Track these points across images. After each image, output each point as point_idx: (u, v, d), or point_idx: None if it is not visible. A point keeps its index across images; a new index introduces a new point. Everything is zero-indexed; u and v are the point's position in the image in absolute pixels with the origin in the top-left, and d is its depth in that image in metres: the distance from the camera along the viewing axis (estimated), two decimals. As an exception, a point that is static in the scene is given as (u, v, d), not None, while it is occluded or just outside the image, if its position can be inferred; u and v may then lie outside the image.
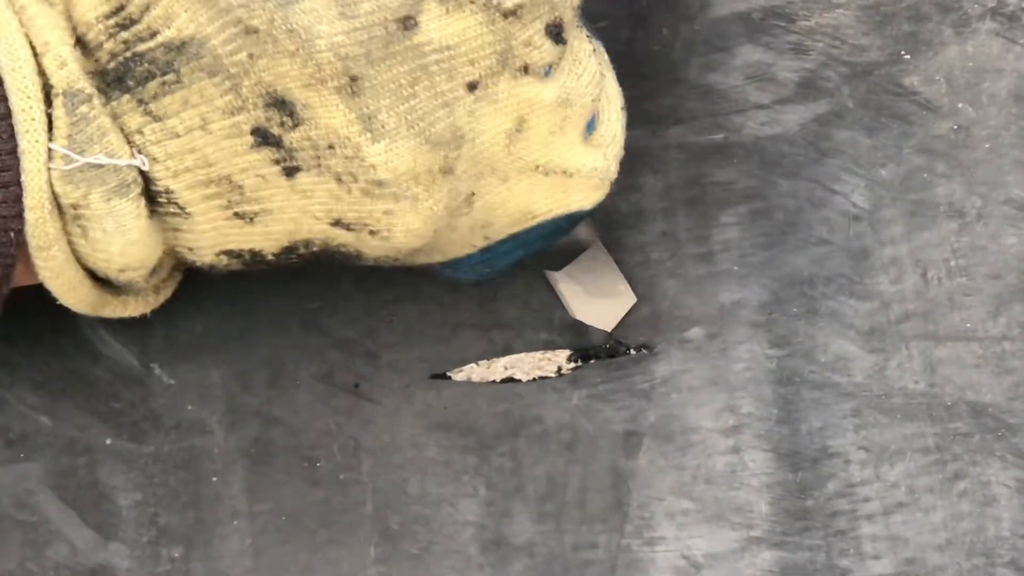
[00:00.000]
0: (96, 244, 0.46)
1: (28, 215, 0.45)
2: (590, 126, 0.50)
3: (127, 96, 0.45)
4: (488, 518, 0.54)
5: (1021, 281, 0.57)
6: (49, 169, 0.44)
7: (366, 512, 0.54)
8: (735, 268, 0.57)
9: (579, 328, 0.56)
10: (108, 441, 0.55)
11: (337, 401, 0.55)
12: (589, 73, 0.49)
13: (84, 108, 0.44)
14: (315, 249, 0.49)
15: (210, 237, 0.48)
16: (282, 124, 0.45)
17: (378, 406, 0.55)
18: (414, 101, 0.45)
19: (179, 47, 0.44)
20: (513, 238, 0.51)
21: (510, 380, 0.56)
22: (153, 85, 0.45)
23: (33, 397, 0.55)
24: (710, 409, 0.55)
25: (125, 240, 0.46)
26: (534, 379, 0.56)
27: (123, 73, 0.45)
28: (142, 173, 0.46)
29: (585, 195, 0.50)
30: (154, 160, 0.46)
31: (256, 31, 0.44)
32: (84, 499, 0.54)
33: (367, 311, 0.56)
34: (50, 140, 0.44)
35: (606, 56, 0.50)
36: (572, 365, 0.56)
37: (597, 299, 0.57)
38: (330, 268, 0.50)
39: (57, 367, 0.55)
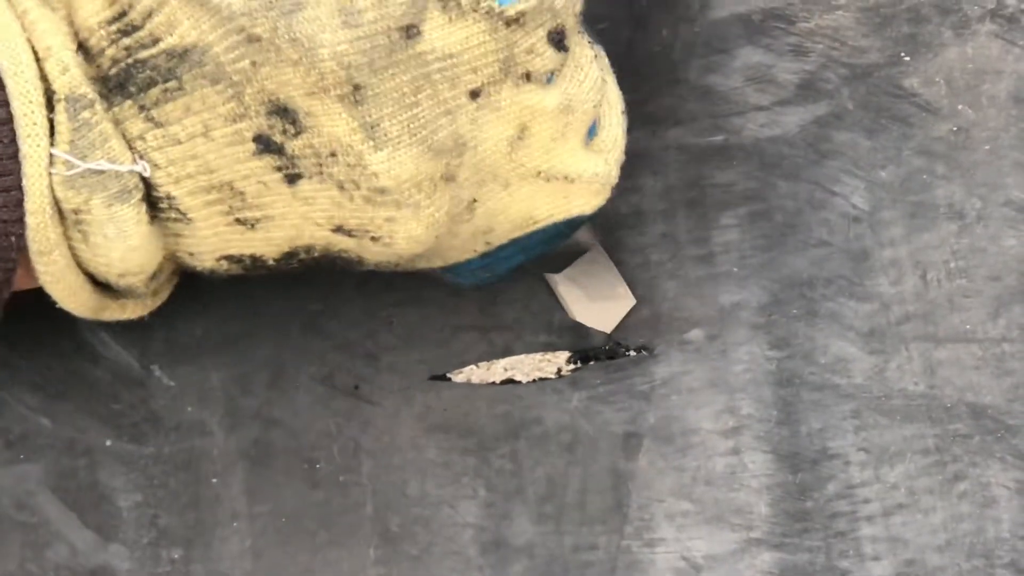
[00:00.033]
0: (97, 249, 0.46)
1: (29, 220, 0.45)
2: (591, 131, 0.50)
3: (129, 102, 0.45)
4: (488, 519, 0.54)
5: (1021, 283, 0.57)
6: (50, 174, 0.44)
7: (366, 514, 0.54)
8: (735, 270, 0.57)
9: (579, 330, 0.56)
10: (108, 442, 0.55)
11: (337, 403, 0.55)
12: (591, 79, 0.49)
13: (86, 113, 0.44)
14: (316, 255, 0.49)
15: (211, 243, 0.48)
16: (284, 132, 0.45)
17: (378, 408, 0.55)
18: (417, 109, 0.45)
19: (181, 54, 0.44)
20: (514, 243, 0.51)
21: (510, 382, 0.56)
22: (155, 91, 0.45)
23: (33, 398, 0.55)
24: (710, 411, 0.55)
25: (126, 245, 0.46)
26: (534, 381, 0.56)
27: (125, 79, 0.45)
28: (143, 179, 0.46)
29: (586, 200, 0.50)
30: (155, 166, 0.46)
31: (259, 39, 0.44)
32: (84, 500, 0.54)
33: (367, 313, 0.56)
34: (52, 145, 0.44)
35: (607, 61, 0.50)
36: (572, 367, 0.56)
37: (596, 301, 0.57)
38: (331, 271, 0.50)
39: (57, 369, 0.55)
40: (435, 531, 0.54)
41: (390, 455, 0.55)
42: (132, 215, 0.46)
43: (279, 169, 0.46)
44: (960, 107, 0.59)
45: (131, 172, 0.45)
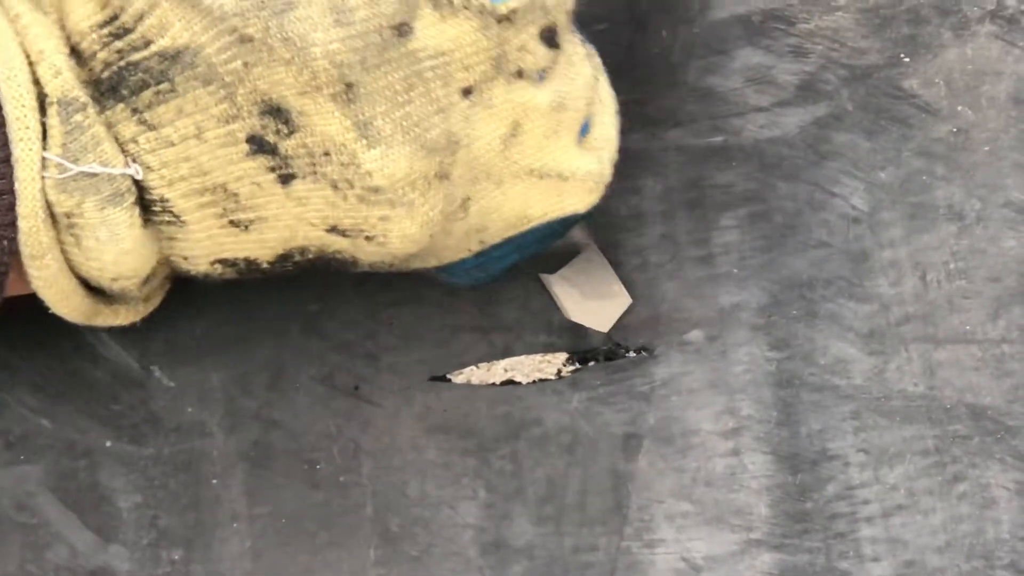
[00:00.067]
0: (89, 253, 0.46)
1: (21, 224, 0.45)
2: (584, 129, 0.50)
3: (121, 105, 0.45)
4: (488, 520, 0.54)
5: (1020, 284, 0.57)
6: (43, 178, 0.44)
7: (366, 514, 0.54)
8: (735, 271, 0.57)
9: (579, 331, 0.56)
10: (108, 443, 0.55)
11: (337, 404, 0.55)
12: (583, 77, 0.49)
13: (79, 117, 0.44)
14: (310, 256, 0.49)
15: (205, 246, 0.48)
16: (277, 132, 0.45)
17: (378, 408, 0.55)
18: (409, 107, 0.45)
19: (173, 56, 0.44)
20: (508, 242, 0.51)
21: (510, 383, 0.56)
22: (147, 94, 0.45)
23: (33, 399, 0.55)
24: (710, 411, 0.55)
25: (119, 249, 0.46)
26: (534, 382, 0.56)
27: (117, 82, 0.45)
28: (136, 182, 0.46)
29: (580, 198, 0.50)
30: (149, 169, 0.46)
31: (251, 39, 0.44)
32: (84, 501, 0.54)
33: (367, 314, 0.56)
34: (44, 149, 0.44)
35: (599, 60, 0.51)
36: (572, 368, 0.56)
37: (592, 301, 0.57)
38: (327, 272, 0.50)
39: (57, 370, 0.55)
40: (435, 532, 0.54)
41: (390, 456, 0.55)
42: (125, 218, 0.46)
43: (272, 170, 0.46)
44: (960, 108, 0.59)
45: (124, 175, 0.45)
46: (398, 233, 0.47)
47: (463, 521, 0.54)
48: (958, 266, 0.57)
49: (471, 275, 0.52)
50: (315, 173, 0.46)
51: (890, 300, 0.57)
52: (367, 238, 0.47)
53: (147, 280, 0.49)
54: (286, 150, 0.45)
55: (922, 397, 0.55)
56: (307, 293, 0.56)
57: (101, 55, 0.45)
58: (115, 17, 0.44)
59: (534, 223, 0.50)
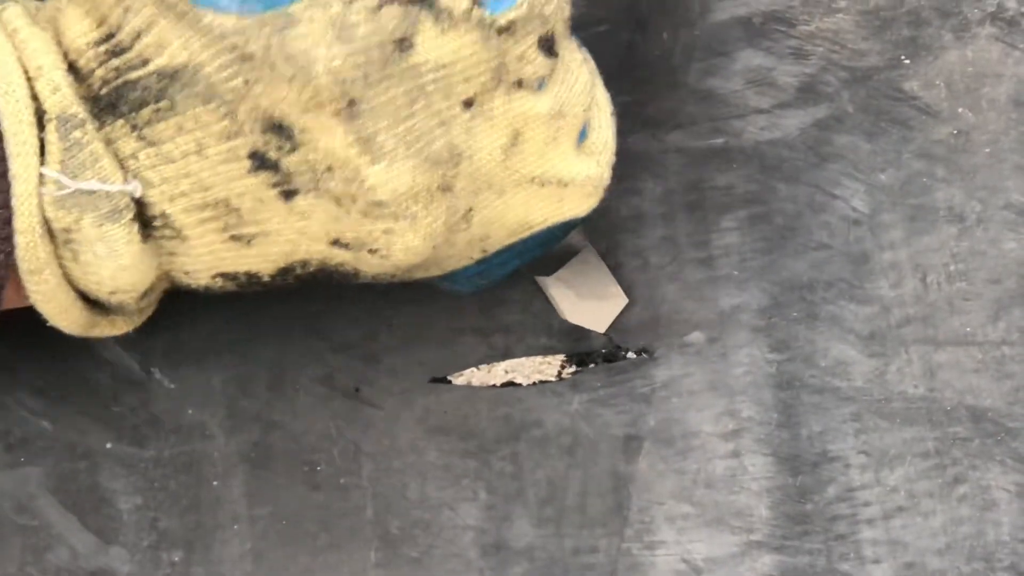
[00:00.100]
0: (87, 268, 0.46)
1: (19, 239, 0.44)
2: (582, 134, 0.50)
3: (121, 121, 0.45)
4: (488, 522, 0.54)
5: (1021, 286, 0.57)
6: (41, 193, 0.44)
7: (366, 516, 0.54)
8: (735, 272, 0.57)
9: (579, 332, 0.56)
10: (108, 445, 0.55)
11: (337, 405, 0.55)
12: (581, 83, 0.49)
13: (77, 133, 0.44)
14: (312, 269, 0.49)
15: (206, 260, 0.48)
16: (280, 148, 0.45)
17: (378, 410, 0.55)
18: (412, 121, 0.45)
19: (172, 75, 0.44)
20: (509, 248, 0.51)
21: (510, 384, 0.56)
22: (147, 111, 0.44)
23: (34, 401, 0.55)
24: (710, 413, 0.55)
25: (117, 265, 0.46)
26: (534, 383, 0.56)
27: (116, 99, 0.45)
28: (136, 198, 0.46)
29: (579, 203, 0.50)
30: (149, 184, 0.45)
31: (252, 57, 0.43)
32: (84, 503, 0.54)
33: (367, 315, 0.56)
34: (42, 164, 0.44)
35: (594, 63, 0.51)
36: (572, 369, 0.56)
37: (589, 301, 0.57)
38: (331, 284, 0.50)
39: (58, 372, 0.55)
40: (435, 534, 0.54)
41: (390, 458, 0.55)
42: (123, 234, 0.45)
43: (275, 185, 0.46)
44: (960, 110, 0.59)
45: (122, 192, 0.45)
46: (401, 246, 0.47)
47: (463, 523, 0.54)
48: (958, 268, 0.57)
49: (473, 282, 0.52)
50: (318, 188, 0.46)
51: (890, 302, 0.57)
52: (370, 251, 0.47)
53: (145, 294, 0.49)
54: (288, 166, 0.45)
55: (922, 399, 0.56)
56: (308, 294, 0.56)
57: (99, 72, 0.45)
58: (112, 35, 0.44)
59: (535, 229, 0.50)
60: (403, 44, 0.44)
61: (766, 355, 0.56)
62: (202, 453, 0.55)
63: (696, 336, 0.56)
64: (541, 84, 0.47)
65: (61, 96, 0.44)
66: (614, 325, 0.56)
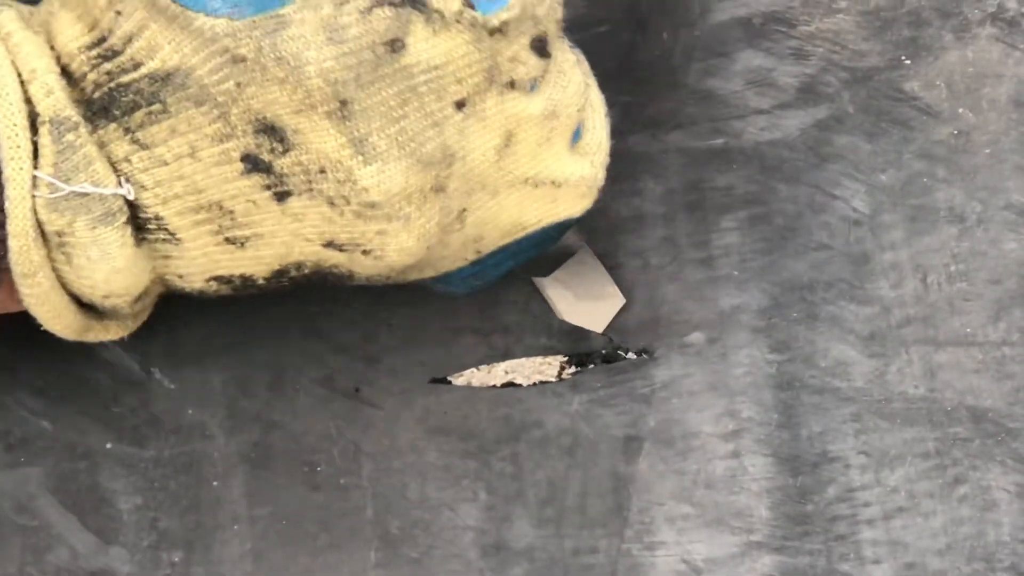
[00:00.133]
0: (81, 271, 0.46)
1: (12, 242, 0.44)
2: (576, 135, 0.50)
3: (113, 125, 0.45)
4: (488, 522, 0.54)
5: (1021, 286, 0.57)
6: (34, 196, 0.44)
7: (366, 516, 0.54)
8: (735, 273, 0.57)
9: (579, 333, 0.56)
10: (109, 445, 0.55)
11: (337, 405, 0.55)
12: (574, 84, 0.49)
13: (70, 136, 0.44)
14: (306, 271, 0.49)
15: (200, 263, 0.48)
16: (272, 150, 0.45)
17: (378, 410, 0.55)
18: (404, 122, 0.45)
19: (164, 78, 0.44)
20: (504, 249, 0.51)
21: (510, 385, 0.56)
22: (139, 115, 0.45)
23: (34, 401, 0.55)
24: (710, 414, 0.55)
25: (110, 268, 0.46)
26: (534, 384, 0.56)
27: (108, 103, 0.45)
28: (130, 201, 0.46)
29: (573, 204, 0.50)
30: (142, 187, 0.45)
31: (244, 59, 0.44)
32: (85, 503, 0.54)
33: (367, 316, 0.56)
34: (36, 168, 0.44)
35: (587, 65, 0.51)
36: (572, 370, 0.56)
37: (586, 301, 0.57)
38: (322, 287, 0.50)
39: (58, 372, 0.55)
40: (435, 534, 0.54)
41: (390, 458, 0.55)
42: (116, 237, 0.45)
43: (268, 187, 0.46)
44: (960, 111, 0.59)
45: (115, 195, 0.45)
46: (395, 247, 0.47)
47: (463, 523, 0.54)
48: (959, 268, 0.57)
49: (467, 283, 0.52)
50: (311, 190, 0.46)
51: (891, 302, 0.57)
52: (364, 252, 0.47)
53: (139, 298, 0.49)
54: (281, 168, 0.45)
55: (923, 399, 0.55)
56: (307, 295, 0.56)
57: (91, 76, 0.45)
58: (103, 39, 0.44)
59: (529, 230, 0.50)
60: (395, 45, 0.44)
61: (766, 355, 0.56)
62: (202, 453, 0.55)
63: (696, 336, 0.56)
64: (534, 85, 0.47)
65: (54, 99, 0.44)
66: (614, 325, 0.56)
